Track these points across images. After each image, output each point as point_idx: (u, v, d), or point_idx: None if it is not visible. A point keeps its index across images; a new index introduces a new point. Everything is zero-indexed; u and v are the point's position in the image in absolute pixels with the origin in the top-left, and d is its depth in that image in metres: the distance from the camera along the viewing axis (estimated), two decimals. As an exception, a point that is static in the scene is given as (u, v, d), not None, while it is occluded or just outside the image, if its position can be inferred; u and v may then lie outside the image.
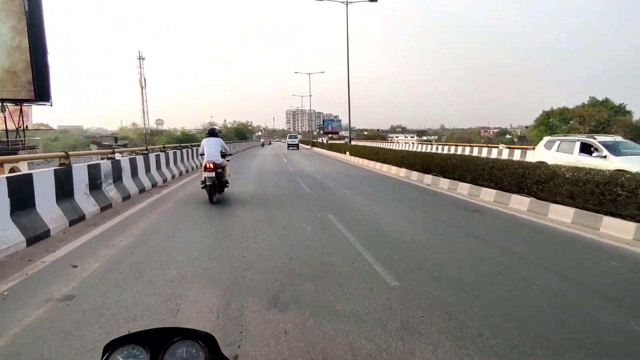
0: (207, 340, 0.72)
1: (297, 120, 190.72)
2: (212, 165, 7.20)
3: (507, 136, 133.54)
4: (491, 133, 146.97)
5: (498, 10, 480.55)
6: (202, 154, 7.73)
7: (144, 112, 54.67)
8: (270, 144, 79.54)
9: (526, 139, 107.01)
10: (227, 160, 8.18)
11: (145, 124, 55.84)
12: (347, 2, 24.66)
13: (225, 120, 72.18)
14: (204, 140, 7.86)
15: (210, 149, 7.56)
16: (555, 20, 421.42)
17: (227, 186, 8.14)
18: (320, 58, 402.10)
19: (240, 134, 69.53)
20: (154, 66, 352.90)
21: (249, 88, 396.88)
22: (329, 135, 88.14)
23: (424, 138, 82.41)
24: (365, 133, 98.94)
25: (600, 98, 38.11)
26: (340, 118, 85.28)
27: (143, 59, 53.69)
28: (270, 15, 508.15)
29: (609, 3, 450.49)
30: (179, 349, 0.71)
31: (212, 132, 8.04)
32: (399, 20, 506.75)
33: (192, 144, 17.66)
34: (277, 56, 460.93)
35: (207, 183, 7.22)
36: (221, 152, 7.71)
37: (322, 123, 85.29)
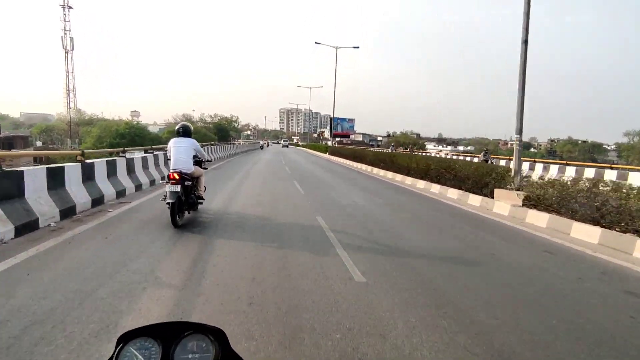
0: (217, 335, 0.73)
1: (292, 119, 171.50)
2: (177, 176, 5.14)
3: (532, 150, 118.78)
4: (510, 145, 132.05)
5: (499, 29, 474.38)
6: (170, 159, 5.53)
7: (68, 91, 34.55)
8: (268, 145, 66.54)
9: (556, 154, 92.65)
10: (204, 168, 6.34)
11: (69, 108, 35.44)
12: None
13: (203, 114, 51.97)
14: (171, 141, 5.61)
15: (179, 153, 5.46)
16: (548, 41, 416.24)
17: (202, 202, 6.04)
18: (318, 57, 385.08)
19: (222, 132, 49.51)
20: (136, 57, 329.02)
21: (240, 84, 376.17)
22: (338, 139, 70.09)
23: (460, 149, 64.79)
24: (379, 139, 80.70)
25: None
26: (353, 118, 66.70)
27: (69, 7, 33.51)
28: (270, 14, 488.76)
29: (601, 28, 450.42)
30: (189, 342, 0.71)
31: (183, 131, 5.70)
32: (398, 29, 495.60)
33: (145, 149, 10.62)
34: (271, 54, 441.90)
35: (169, 200, 5.05)
36: (195, 157, 5.74)
37: (330, 123, 66.28)
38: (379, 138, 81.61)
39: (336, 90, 31.80)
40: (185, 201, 5.39)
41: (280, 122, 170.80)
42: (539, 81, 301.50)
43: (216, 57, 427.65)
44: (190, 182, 5.44)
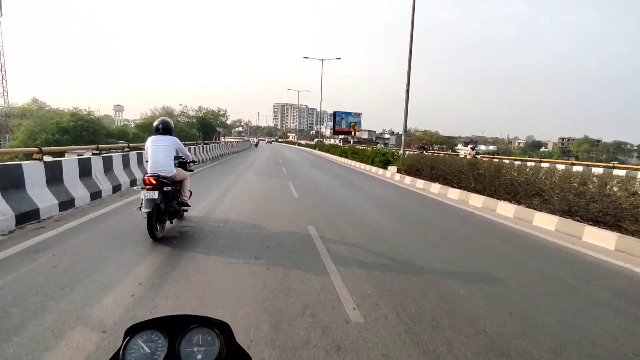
0: (222, 329, 0.73)
1: (287, 115, 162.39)
2: (154, 181, 4.23)
3: (543, 149, 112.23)
4: (518, 144, 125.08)
5: (490, 24, 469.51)
6: (147, 161, 4.63)
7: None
8: (258, 143, 60.70)
9: (570, 154, 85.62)
10: (190, 170, 5.57)
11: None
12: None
13: (185, 106, 42.76)
14: (149, 139, 4.62)
15: (158, 153, 4.53)
16: (547, 41, 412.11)
17: (187, 209, 5.22)
18: (318, 55, 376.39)
19: (207, 127, 40.63)
20: (126, 50, 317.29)
21: (239, 82, 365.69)
22: (342, 136, 61.51)
23: (482, 148, 56.96)
24: (386, 137, 72.06)
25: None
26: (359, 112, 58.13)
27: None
28: (269, 10, 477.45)
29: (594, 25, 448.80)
30: (195, 335, 0.72)
31: (163, 128, 4.69)
32: (393, 28, 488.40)
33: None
34: (269, 51, 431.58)
35: (145, 209, 4.08)
36: (178, 158, 4.98)
37: (333, 118, 57.93)
38: (386, 136, 73.18)
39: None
40: (166, 209, 4.47)
41: (274, 118, 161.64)
42: (541, 80, 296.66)
43: (215, 55, 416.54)
44: (170, 188, 4.45)
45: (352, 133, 48.09)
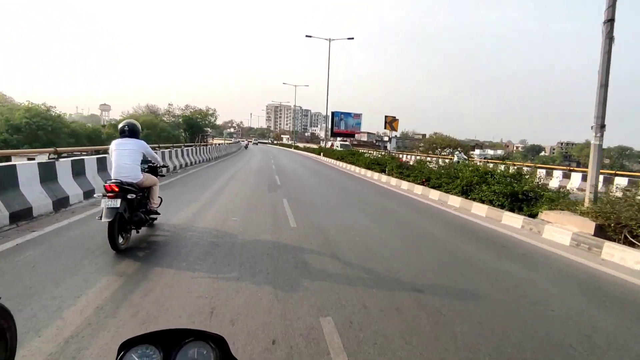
0: (217, 342, 0.73)
1: (280, 117, 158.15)
2: (116, 188, 3.92)
3: (543, 153, 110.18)
4: (516, 148, 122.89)
5: (486, 28, 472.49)
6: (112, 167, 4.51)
7: None
8: (248, 144, 57.47)
9: (572, 159, 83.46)
10: (161, 175, 5.22)
11: None
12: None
13: (171, 105, 38.64)
14: (113, 143, 4.32)
15: (122, 158, 4.19)
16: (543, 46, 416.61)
17: (156, 218, 4.90)
18: (315, 55, 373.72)
19: (194, 128, 36.41)
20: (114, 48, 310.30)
21: (237, 83, 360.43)
22: (340, 139, 57.71)
23: (490, 153, 53.72)
24: (385, 139, 68.33)
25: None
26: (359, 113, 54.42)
27: None
28: (266, 10, 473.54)
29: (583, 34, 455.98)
30: (190, 349, 0.71)
31: (129, 130, 4.36)
32: (388, 30, 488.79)
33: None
34: (266, 52, 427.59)
35: (105, 219, 3.76)
36: (146, 162, 4.71)
37: (331, 119, 53.89)
38: (385, 138, 69.51)
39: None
40: (130, 218, 4.13)
41: (267, 120, 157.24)
42: (535, 82, 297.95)
43: (214, 55, 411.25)
44: (135, 195, 4.12)
45: (390, 134, 34.10)
